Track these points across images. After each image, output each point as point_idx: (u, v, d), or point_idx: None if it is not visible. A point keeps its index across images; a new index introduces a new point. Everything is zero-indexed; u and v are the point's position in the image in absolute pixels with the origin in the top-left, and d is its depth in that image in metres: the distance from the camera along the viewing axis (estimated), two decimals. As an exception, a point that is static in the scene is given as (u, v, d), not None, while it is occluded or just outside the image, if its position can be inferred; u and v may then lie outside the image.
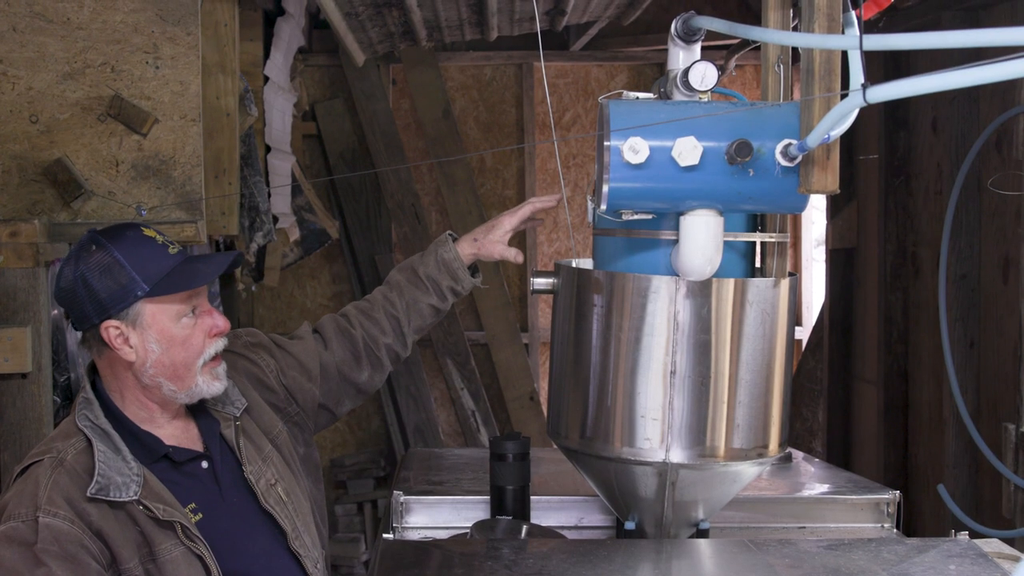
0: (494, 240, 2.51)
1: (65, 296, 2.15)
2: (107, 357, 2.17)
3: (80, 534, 2.00)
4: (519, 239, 6.66)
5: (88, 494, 2.02)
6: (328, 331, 2.53)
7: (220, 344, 2.21)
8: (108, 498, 2.04)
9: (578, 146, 6.75)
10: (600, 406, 2.34)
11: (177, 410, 2.24)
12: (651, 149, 2.11)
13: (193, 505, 2.16)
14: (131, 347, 2.13)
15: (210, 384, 2.19)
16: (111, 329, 2.12)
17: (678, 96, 2.31)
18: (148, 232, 2.17)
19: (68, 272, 2.14)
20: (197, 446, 2.24)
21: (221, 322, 2.20)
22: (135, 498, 2.05)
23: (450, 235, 2.59)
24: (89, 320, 2.13)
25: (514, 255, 2.56)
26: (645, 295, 2.26)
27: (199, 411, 2.27)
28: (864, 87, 1.65)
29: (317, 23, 6.25)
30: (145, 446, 2.16)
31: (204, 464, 2.22)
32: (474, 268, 2.58)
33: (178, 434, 2.23)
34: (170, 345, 2.14)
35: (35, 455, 2.12)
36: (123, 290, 2.10)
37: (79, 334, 2.21)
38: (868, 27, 1.83)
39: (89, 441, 2.10)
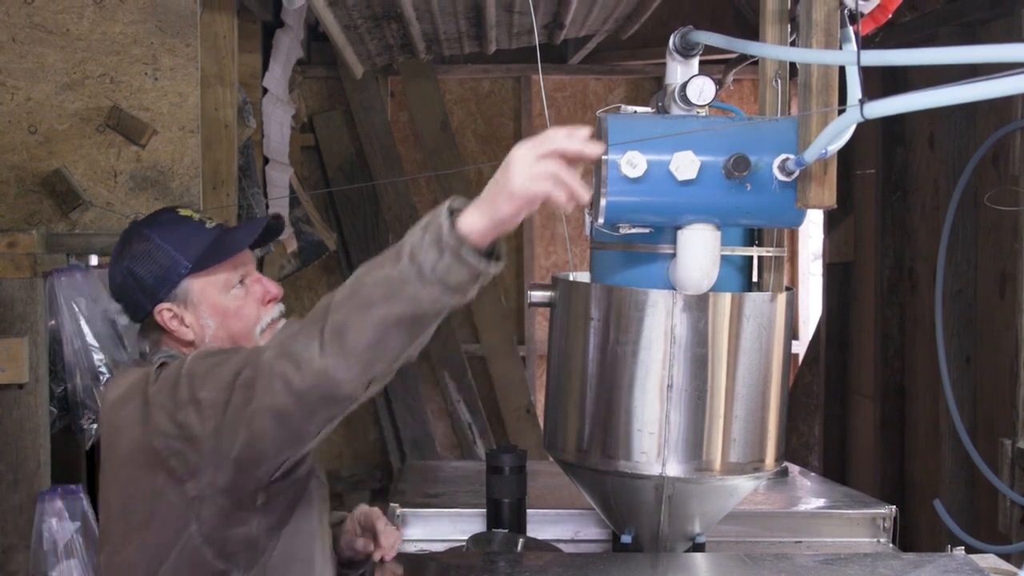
0: None
1: (117, 291, 2.16)
2: (167, 342, 2.15)
3: None
4: (516, 254, 6.67)
5: None
6: None
7: (275, 310, 2.18)
8: None
9: (576, 159, 6.75)
10: (596, 419, 2.34)
11: None
12: (649, 163, 2.11)
13: None
14: (187, 326, 2.11)
15: None
16: (164, 312, 2.11)
17: (676, 110, 2.31)
18: (184, 212, 2.17)
19: (115, 268, 2.15)
20: None
21: (273, 288, 2.17)
22: None
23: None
24: (143, 308, 2.13)
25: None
26: (642, 309, 2.26)
27: None
28: (862, 102, 1.65)
29: (316, 35, 6.26)
30: None
31: None
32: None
33: None
34: (224, 318, 2.13)
35: (129, 367, 2.20)
36: (167, 271, 2.10)
37: (75, 343, 2.22)
38: (865, 43, 1.83)
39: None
